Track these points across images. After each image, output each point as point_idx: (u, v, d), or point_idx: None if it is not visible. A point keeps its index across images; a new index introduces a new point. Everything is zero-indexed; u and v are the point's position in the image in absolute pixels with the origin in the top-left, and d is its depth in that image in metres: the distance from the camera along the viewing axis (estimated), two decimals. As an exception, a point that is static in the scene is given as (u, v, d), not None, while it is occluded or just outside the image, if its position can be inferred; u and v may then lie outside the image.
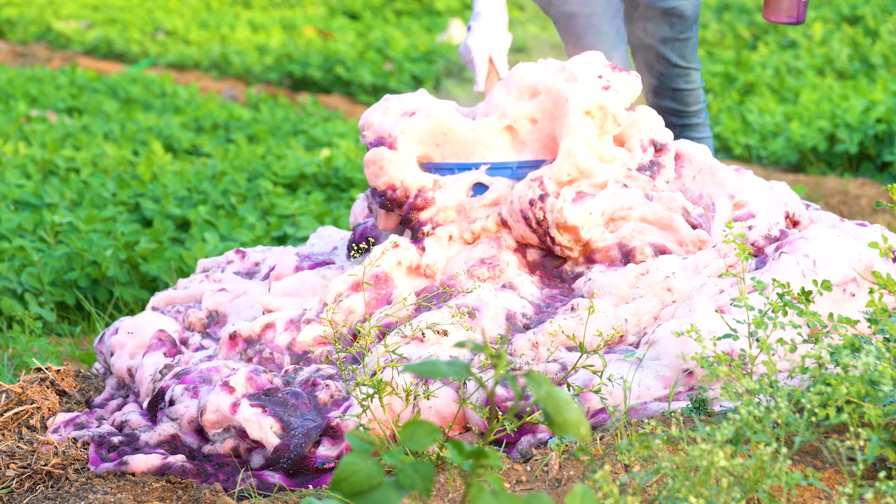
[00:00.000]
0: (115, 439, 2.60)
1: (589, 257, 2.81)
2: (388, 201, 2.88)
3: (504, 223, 2.85)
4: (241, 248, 3.34)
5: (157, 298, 3.19)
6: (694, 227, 2.82)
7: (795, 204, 2.93)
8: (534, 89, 2.89)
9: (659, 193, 2.84)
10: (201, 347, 2.90)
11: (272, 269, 3.12)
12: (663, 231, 2.81)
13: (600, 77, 2.85)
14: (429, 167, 3.02)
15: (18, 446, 2.61)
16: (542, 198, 2.77)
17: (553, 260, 2.85)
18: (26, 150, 6.38)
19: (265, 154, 6.51)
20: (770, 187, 2.98)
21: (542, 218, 2.76)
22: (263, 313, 2.88)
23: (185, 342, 2.93)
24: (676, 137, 3.59)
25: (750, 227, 2.81)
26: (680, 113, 3.69)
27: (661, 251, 2.77)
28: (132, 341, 2.92)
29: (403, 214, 2.88)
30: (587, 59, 2.92)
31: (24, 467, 2.54)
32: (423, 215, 2.87)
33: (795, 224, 2.93)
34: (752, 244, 2.78)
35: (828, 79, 8.46)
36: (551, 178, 2.79)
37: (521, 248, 2.86)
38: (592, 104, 2.81)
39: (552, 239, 2.78)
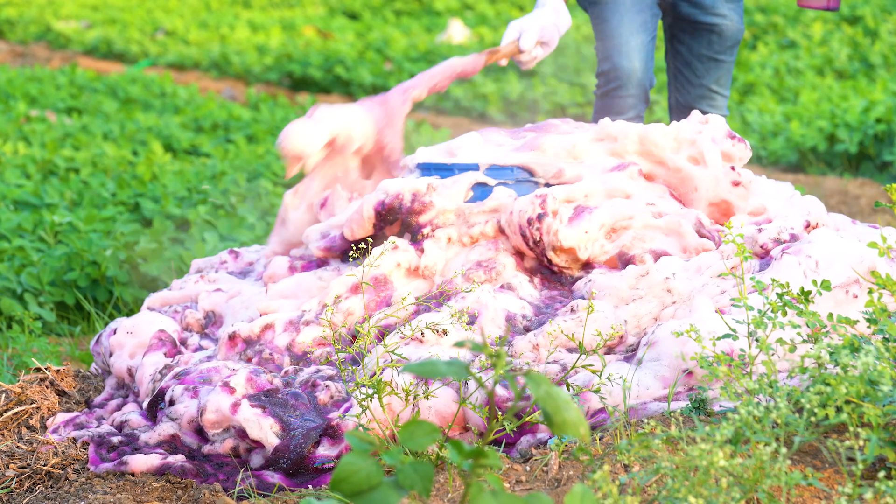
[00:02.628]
0: (115, 439, 2.60)
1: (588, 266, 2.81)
2: (386, 210, 2.88)
3: (503, 231, 2.84)
4: (235, 249, 3.34)
5: (152, 299, 3.19)
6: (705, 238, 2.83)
7: (818, 213, 2.90)
8: (661, 161, 2.92)
9: (675, 209, 2.86)
10: (200, 348, 2.90)
11: (266, 267, 3.12)
12: (669, 237, 2.81)
13: (732, 169, 2.86)
14: (428, 167, 3.01)
15: (18, 446, 2.61)
16: (540, 217, 2.75)
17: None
18: (26, 150, 6.37)
19: (265, 154, 6.51)
20: (791, 196, 2.96)
21: (538, 239, 2.75)
22: (260, 316, 2.88)
23: (183, 342, 2.93)
24: None
25: (760, 230, 2.82)
26: None
27: (662, 256, 2.77)
28: (131, 341, 2.92)
29: (402, 219, 2.88)
30: (714, 133, 2.91)
31: (24, 467, 2.53)
32: (422, 218, 2.87)
33: None
34: (762, 246, 2.77)
35: (827, 79, 8.46)
36: (555, 198, 2.79)
37: (519, 253, 2.85)
38: (718, 199, 2.86)
39: (549, 260, 2.77)
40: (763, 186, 2.94)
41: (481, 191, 2.91)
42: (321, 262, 3.01)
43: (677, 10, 3.62)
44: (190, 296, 3.14)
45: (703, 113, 3.68)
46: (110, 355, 2.95)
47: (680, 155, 2.87)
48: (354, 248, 2.97)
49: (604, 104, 3.55)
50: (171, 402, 2.64)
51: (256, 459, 2.51)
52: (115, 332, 2.95)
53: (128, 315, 3.68)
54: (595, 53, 3.61)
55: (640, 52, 3.48)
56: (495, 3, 13.36)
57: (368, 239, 2.94)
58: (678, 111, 3.74)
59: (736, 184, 2.83)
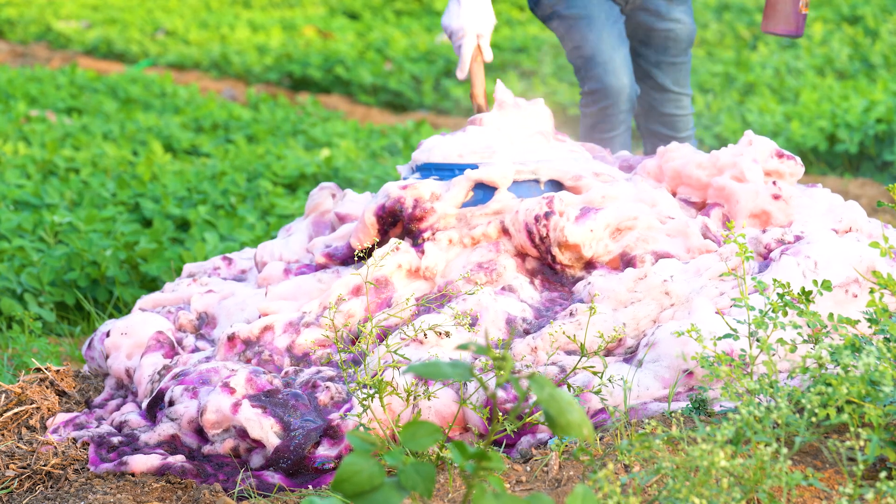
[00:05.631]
0: (115, 439, 2.60)
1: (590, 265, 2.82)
2: (387, 214, 2.88)
3: (506, 231, 2.85)
4: (228, 255, 3.34)
5: (144, 301, 3.19)
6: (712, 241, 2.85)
7: (852, 219, 2.91)
8: (703, 186, 2.96)
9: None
10: (196, 349, 2.90)
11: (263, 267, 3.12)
12: (673, 238, 2.82)
13: (774, 184, 2.91)
14: (429, 167, 3.01)
15: (18, 446, 2.60)
16: (548, 215, 2.78)
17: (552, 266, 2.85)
18: (26, 150, 6.37)
19: (265, 154, 6.51)
20: (829, 205, 2.97)
21: (545, 235, 2.77)
22: (259, 317, 2.88)
23: (179, 342, 2.93)
24: None
25: (764, 230, 2.84)
26: (669, 138, 3.72)
27: (664, 258, 2.78)
28: (127, 342, 2.92)
29: (404, 225, 2.88)
30: (756, 154, 2.95)
31: (24, 467, 2.53)
32: (423, 224, 2.87)
33: None
34: (766, 246, 2.79)
35: (828, 79, 8.46)
36: (562, 199, 2.80)
37: (521, 255, 2.86)
38: (759, 210, 2.89)
39: (553, 257, 2.78)
40: (799, 200, 2.96)
41: (483, 193, 2.91)
42: (319, 268, 3.01)
43: (635, 18, 3.63)
44: (182, 298, 3.14)
45: (671, 116, 3.71)
46: (106, 358, 2.94)
47: (724, 176, 2.93)
48: (361, 250, 2.96)
49: (594, 122, 3.54)
50: (171, 403, 2.64)
51: (256, 460, 2.51)
52: (108, 335, 2.95)
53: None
54: (573, 69, 3.58)
55: (626, 67, 3.48)
56: (495, 3, 13.36)
57: (369, 242, 2.93)
58: (646, 117, 3.77)
59: (776, 197, 2.90)
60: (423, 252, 2.83)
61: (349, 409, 2.49)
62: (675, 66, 3.68)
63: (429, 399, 2.36)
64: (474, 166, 2.95)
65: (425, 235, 2.86)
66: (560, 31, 3.56)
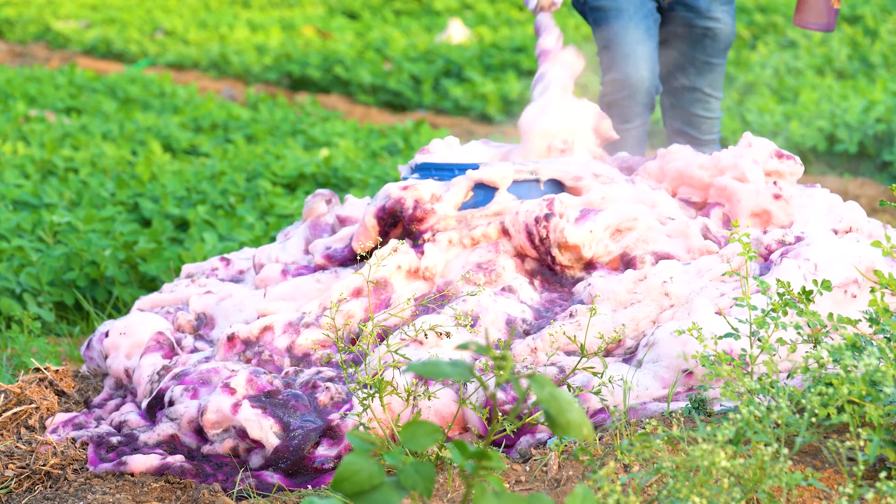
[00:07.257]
0: (114, 439, 2.60)
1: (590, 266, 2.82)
2: (387, 215, 2.88)
3: (505, 232, 2.85)
4: (226, 256, 3.34)
5: (143, 301, 3.19)
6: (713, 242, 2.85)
7: (852, 219, 2.91)
8: (705, 186, 2.99)
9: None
10: (195, 349, 2.90)
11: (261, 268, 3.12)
12: (673, 238, 2.82)
13: (775, 184, 2.93)
14: (428, 167, 3.01)
15: (17, 446, 2.60)
16: (548, 217, 2.78)
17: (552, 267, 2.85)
18: (25, 149, 6.37)
19: (264, 154, 6.51)
20: (829, 205, 2.98)
21: (544, 236, 2.77)
22: (258, 318, 2.88)
23: (178, 343, 2.93)
24: None
25: (765, 231, 2.84)
26: (692, 138, 3.69)
27: (664, 259, 2.78)
28: (126, 342, 2.92)
29: (405, 226, 2.88)
30: (756, 155, 2.96)
31: (23, 467, 2.53)
32: (423, 226, 2.87)
33: None
34: (766, 247, 2.79)
35: (827, 79, 8.46)
36: (562, 202, 2.81)
37: (520, 255, 2.86)
38: (760, 210, 2.91)
39: (553, 258, 2.78)
40: (799, 200, 2.97)
41: (483, 193, 2.91)
42: (317, 269, 3.01)
43: (673, 14, 3.61)
44: (181, 298, 3.14)
45: (698, 117, 3.69)
46: (105, 358, 2.94)
47: (726, 176, 2.94)
48: (363, 251, 2.96)
49: (610, 113, 3.54)
50: (171, 403, 2.64)
51: (256, 460, 2.51)
52: (107, 335, 2.95)
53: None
54: (598, 60, 3.59)
55: (648, 60, 3.47)
56: (495, 2, 13.36)
57: (371, 244, 2.93)
58: (672, 114, 3.74)
59: (777, 196, 2.92)
60: (422, 253, 2.83)
61: (349, 409, 2.49)
62: (710, 66, 3.66)
63: (429, 399, 2.36)
64: (474, 166, 2.95)
65: (425, 236, 2.86)
66: (591, 23, 3.58)
